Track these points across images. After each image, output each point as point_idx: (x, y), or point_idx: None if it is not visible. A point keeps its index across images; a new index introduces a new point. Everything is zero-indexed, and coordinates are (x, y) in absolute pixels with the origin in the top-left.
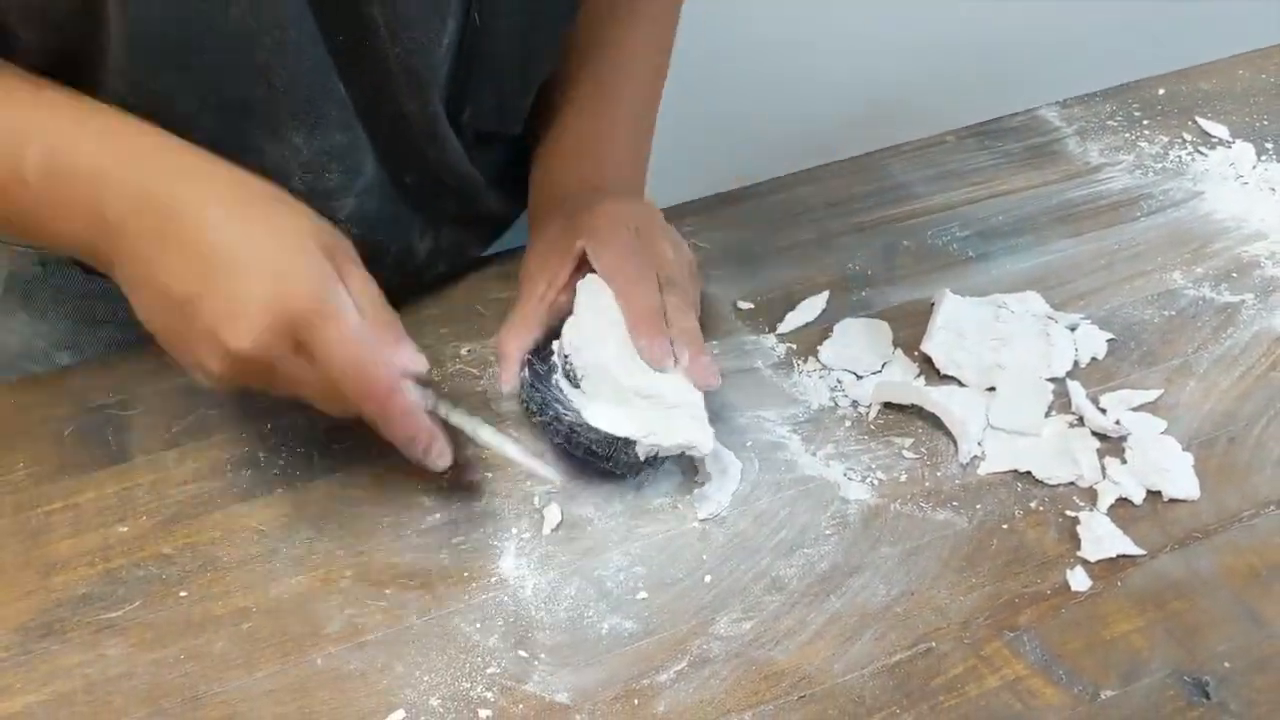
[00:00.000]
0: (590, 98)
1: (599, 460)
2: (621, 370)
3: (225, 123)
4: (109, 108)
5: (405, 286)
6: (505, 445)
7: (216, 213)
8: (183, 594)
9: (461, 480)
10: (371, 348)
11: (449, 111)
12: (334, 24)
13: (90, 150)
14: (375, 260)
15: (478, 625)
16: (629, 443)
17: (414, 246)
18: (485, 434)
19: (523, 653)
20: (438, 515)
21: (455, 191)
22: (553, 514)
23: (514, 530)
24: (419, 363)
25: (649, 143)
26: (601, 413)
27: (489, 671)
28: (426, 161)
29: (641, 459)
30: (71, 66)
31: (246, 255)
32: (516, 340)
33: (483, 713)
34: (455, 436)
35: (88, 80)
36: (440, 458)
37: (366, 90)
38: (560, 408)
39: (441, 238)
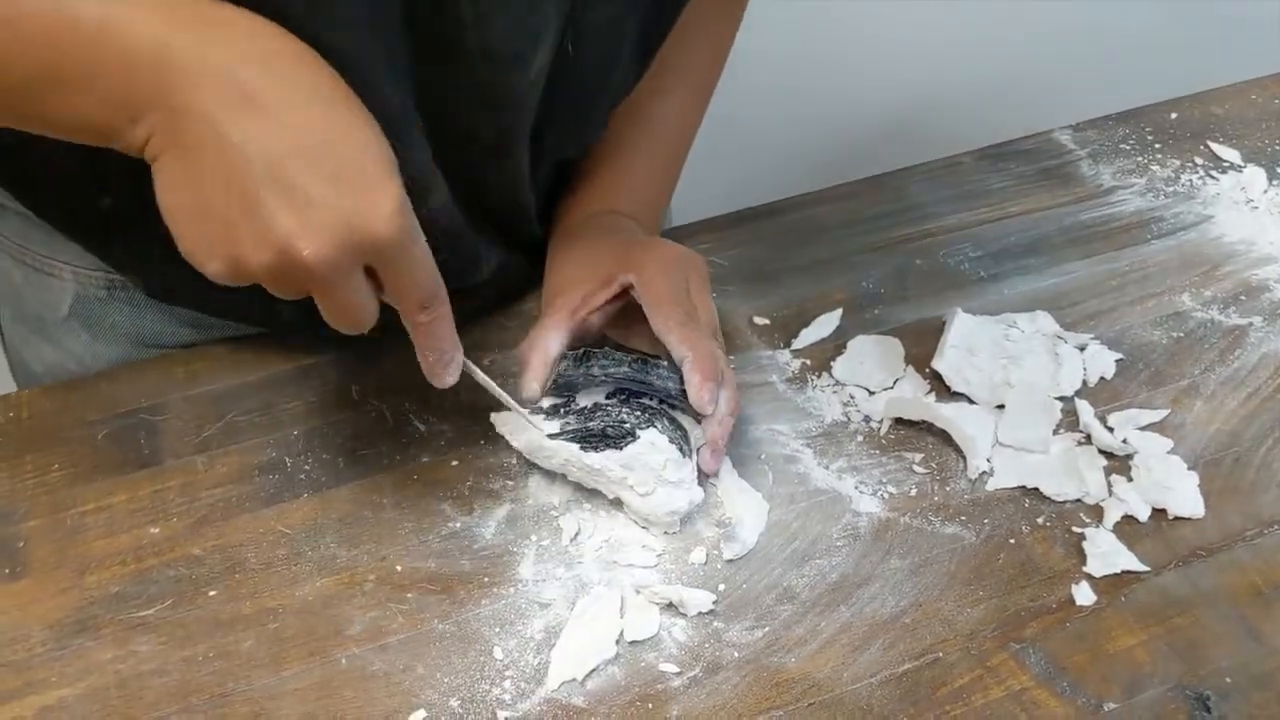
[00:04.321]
0: (624, 125)
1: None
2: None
3: None
4: None
5: (465, 304)
6: (505, 396)
7: (304, 90)
8: (212, 594)
9: (483, 488)
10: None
11: (530, 137)
12: (424, 48)
13: (156, 9)
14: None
15: (497, 629)
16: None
17: (479, 265)
18: (493, 387)
19: (539, 656)
20: (458, 522)
21: (510, 215)
22: (569, 523)
23: (533, 538)
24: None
25: (678, 173)
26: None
27: (507, 674)
28: (486, 185)
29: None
30: None
31: (338, 151)
32: (541, 350)
33: (501, 714)
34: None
35: None
36: (453, 374)
37: (439, 109)
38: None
39: (498, 262)
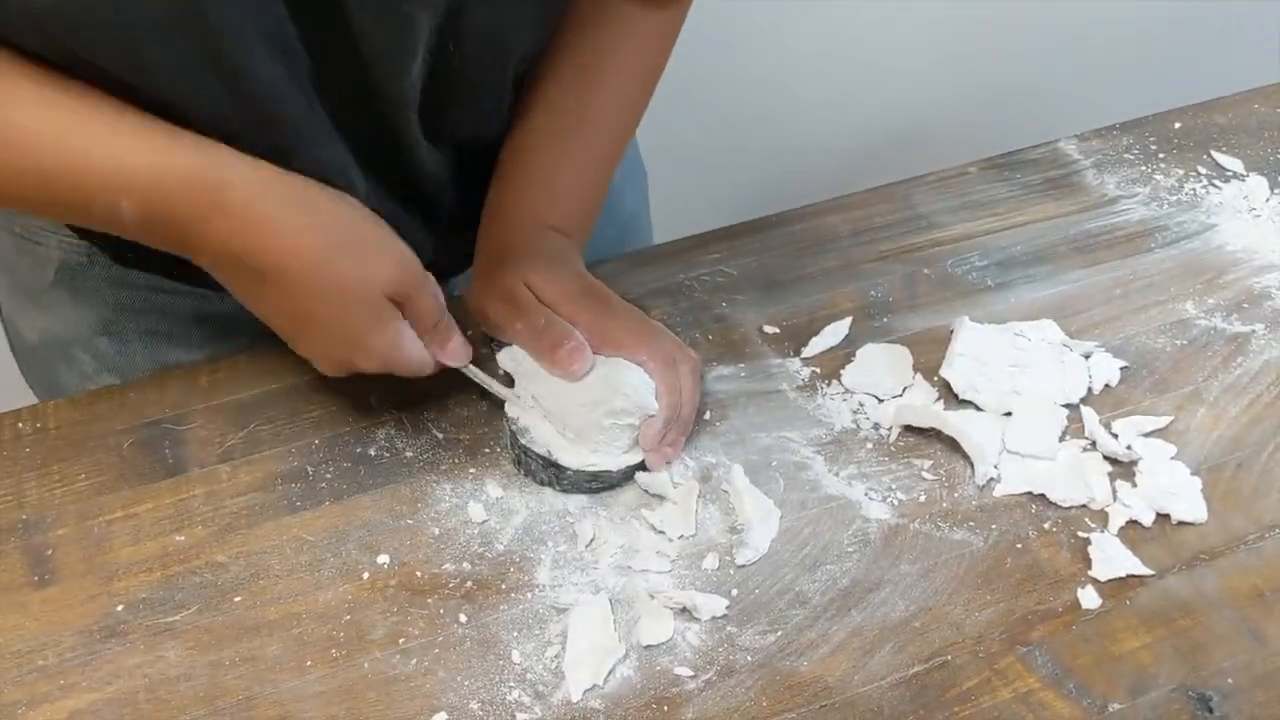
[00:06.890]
0: (558, 130)
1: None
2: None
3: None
4: (183, 135)
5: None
6: (493, 385)
7: (297, 274)
8: (237, 600)
9: (501, 494)
10: (423, 362)
11: (427, 123)
12: (321, 56)
13: (179, 207)
14: None
15: (515, 633)
16: (562, 469)
17: (420, 248)
18: (480, 377)
19: (557, 660)
20: (477, 529)
21: (433, 198)
22: (585, 529)
23: (550, 544)
24: (460, 358)
25: (606, 186)
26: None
27: (526, 677)
28: (402, 171)
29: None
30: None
31: (326, 317)
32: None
33: (520, 716)
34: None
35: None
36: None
37: (344, 109)
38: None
39: (440, 240)
